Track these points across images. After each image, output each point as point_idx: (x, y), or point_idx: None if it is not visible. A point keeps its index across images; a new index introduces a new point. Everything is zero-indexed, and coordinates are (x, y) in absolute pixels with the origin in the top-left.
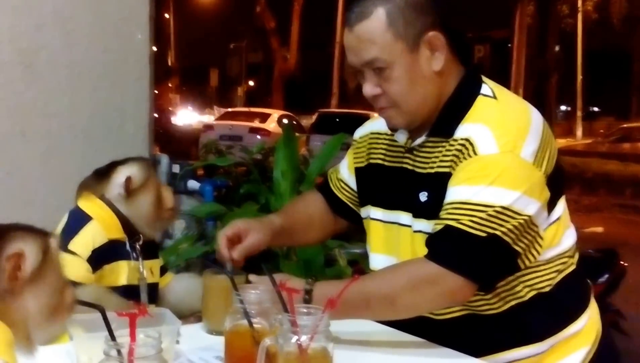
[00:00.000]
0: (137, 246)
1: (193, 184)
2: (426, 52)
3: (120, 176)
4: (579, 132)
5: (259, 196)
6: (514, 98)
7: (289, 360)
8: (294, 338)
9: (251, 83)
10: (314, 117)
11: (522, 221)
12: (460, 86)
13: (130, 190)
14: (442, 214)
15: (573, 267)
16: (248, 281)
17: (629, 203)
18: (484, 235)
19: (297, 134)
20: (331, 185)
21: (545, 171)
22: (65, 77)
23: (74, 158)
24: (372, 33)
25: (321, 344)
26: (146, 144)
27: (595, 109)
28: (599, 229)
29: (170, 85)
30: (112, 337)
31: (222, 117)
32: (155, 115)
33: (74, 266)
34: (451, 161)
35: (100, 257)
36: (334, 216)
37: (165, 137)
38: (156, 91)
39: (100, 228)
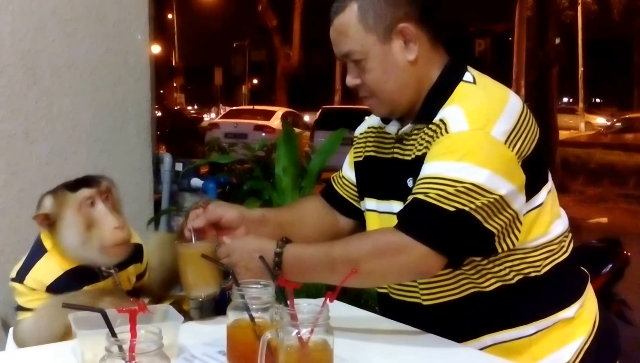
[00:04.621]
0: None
1: (196, 181)
2: (399, 43)
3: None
4: (582, 123)
5: (262, 192)
6: (494, 83)
7: (289, 354)
8: (295, 332)
9: (255, 81)
10: (318, 113)
11: (492, 199)
12: (443, 73)
13: (45, 225)
14: (414, 189)
15: (564, 257)
16: (219, 245)
17: (632, 193)
18: (452, 209)
19: (301, 130)
20: (334, 184)
21: (519, 153)
22: (67, 79)
23: (77, 159)
24: (346, 26)
25: (321, 337)
26: (148, 143)
27: (598, 100)
28: (604, 219)
29: (175, 85)
30: (113, 334)
31: (226, 115)
32: (159, 114)
33: (32, 298)
34: (427, 142)
35: (59, 289)
36: (335, 216)
37: (171, 136)
38: (161, 91)
39: (54, 261)
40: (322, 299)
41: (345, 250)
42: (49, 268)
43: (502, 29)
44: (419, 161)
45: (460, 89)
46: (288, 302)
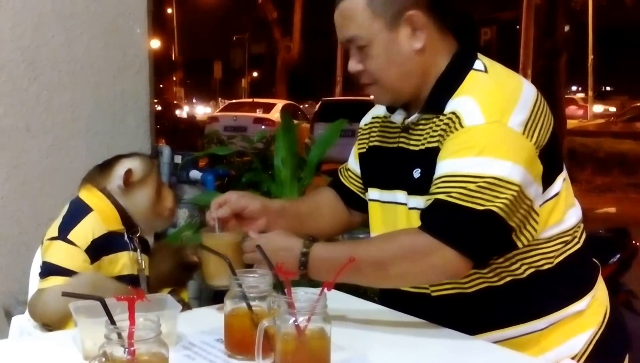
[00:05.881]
0: (135, 238)
1: (195, 174)
2: (407, 31)
3: (121, 168)
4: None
5: (260, 184)
6: (506, 72)
7: (286, 341)
8: (292, 320)
9: (255, 74)
10: (318, 105)
11: (514, 192)
12: (452, 62)
13: (129, 182)
14: (433, 189)
15: (577, 247)
16: (246, 236)
17: None
18: (476, 207)
19: (299, 122)
20: (341, 177)
21: (537, 143)
22: (67, 73)
23: (77, 152)
24: (352, 11)
25: (319, 325)
26: (148, 136)
27: (608, 88)
28: (612, 209)
29: (174, 78)
30: (112, 322)
31: (226, 108)
32: (159, 108)
33: (72, 255)
34: (439, 135)
35: (99, 248)
36: (347, 209)
37: (171, 130)
38: (161, 85)
39: (100, 220)
40: (320, 288)
41: (371, 252)
42: (96, 225)
43: (509, 17)
44: (429, 153)
45: (471, 78)
46: (285, 291)
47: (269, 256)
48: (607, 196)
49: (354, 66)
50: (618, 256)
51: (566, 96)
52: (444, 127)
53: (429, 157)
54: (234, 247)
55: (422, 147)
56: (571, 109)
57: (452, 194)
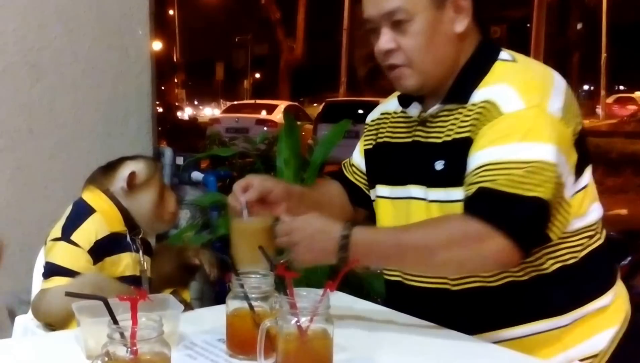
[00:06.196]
0: (138, 239)
1: (197, 175)
2: (450, 13)
3: (125, 170)
4: (603, 111)
5: None
6: (535, 61)
7: (288, 341)
8: (294, 320)
9: (257, 75)
10: (322, 106)
11: (556, 175)
12: (478, 52)
13: (133, 185)
14: (473, 179)
15: (599, 242)
16: (277, 220)
17: None
18: (525, 193)
19: (302, 123)
20: (346, 172)
21: (573, 131)
22: (70, 75)
23: (80, 153)
24: None
25: (321, 325)
26: (149, 137)
27: (621, 87)
28: (624, 211)
29: (176, 80)
30: (115, 321)
31: (228, 110)
32: (160, 110)
33: (75, 256)
34: (471, 125)
35: (102, 249)
36: (353, 205)
37: (172, 131)
38: (162, 88)
39: (103, 221)
40: (323, 289)
41: (417, 238)
42: (99, 226)
43: (519, 14)
44: (457, 144)
45: (500, 67)
46: (288, 291)
47: (304, 239)
48: (619, 197)
49: (386, 43)
50: (630, 258)
51: (623, 95)
52: (476, 116)
53: (457, 148)
54: (266, 231)
55: (448, 138)
56: (630, 109)
57: (498, 181)
